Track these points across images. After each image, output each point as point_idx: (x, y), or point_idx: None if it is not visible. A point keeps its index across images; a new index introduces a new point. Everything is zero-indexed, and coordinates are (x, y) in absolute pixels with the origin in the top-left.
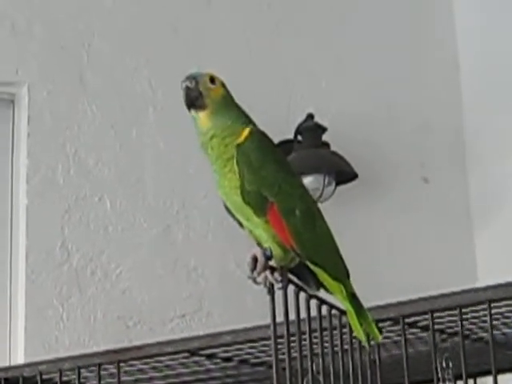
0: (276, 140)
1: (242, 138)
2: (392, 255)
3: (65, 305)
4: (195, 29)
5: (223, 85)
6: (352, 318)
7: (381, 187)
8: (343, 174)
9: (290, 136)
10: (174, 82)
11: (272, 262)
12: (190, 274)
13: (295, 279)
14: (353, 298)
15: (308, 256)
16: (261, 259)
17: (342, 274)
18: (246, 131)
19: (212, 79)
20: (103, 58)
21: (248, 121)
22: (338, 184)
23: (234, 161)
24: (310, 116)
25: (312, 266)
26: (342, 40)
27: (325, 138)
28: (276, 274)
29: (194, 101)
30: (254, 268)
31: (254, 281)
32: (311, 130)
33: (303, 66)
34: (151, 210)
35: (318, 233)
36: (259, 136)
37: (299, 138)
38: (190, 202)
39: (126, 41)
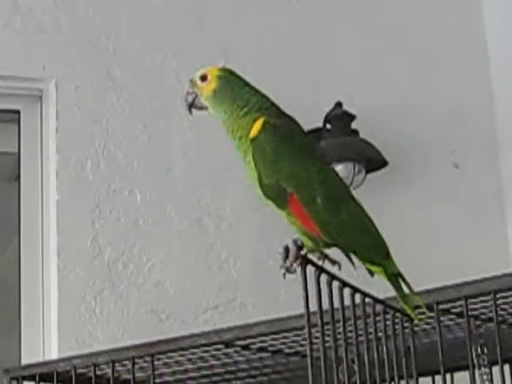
0: (305, 128)
1: (255, 131)
2: (424, 242)
3: (98, 299)
4: (222, 20)
5: (219, 76)
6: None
7: (411, 174)
8: (373, 161)
9: (319, 124)
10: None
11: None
12: (222, 265)
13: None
14: (395, 278)
15: (337, 242)
16: (292, 249)
17: (377, 256)
18: (259, 123)
19: (203, 76)
20: (130, 51)
21: (257, 107)
22: (368, 172)
23: (250, 156)
24: (339, 104)
25: (345, 252)
26: (371, 28)
27: (354, 125)
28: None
29: (191, 104)
30: (286, 258)
31: (287, 270)
32: (340, 117)
33: (331, 55)
34: (182, 201)
35: (345, 217)
36: (272, 127)
37: (328, 126)
38: (221, 193)
39: (152, 33)
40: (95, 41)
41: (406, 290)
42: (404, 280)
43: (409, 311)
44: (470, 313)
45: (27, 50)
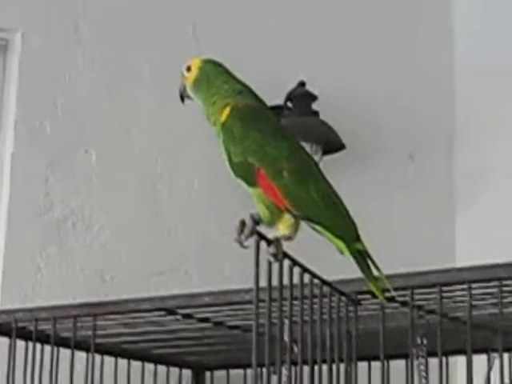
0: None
1: (224, 117)
2: (373, 229)
3: (43, 254)
4: None
5: (200, 67)
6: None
7: (367, 160)
8: (330, 143)
9: (281, 102)
10: (169, 42)
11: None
12: (170, 233)
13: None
14: (360, 255)
15: (304, 214)
16: (249, 223)
17: (344, 231)
18: (227, 109)
19: (188, 67)
20: (100, 10)
21: (228, 93)
22: (324, 153)
23: (221, 140)
24: (302, 84)
25: (313, 226)
26: (338, 8)
27: (315, 106)
28: (272, 247)
29: (181, 93)
30: (241, 232)
31: (241, 244)
32: (302, 97)
33: (299, 34)
34: (137, 166)
35: (313, 192)
36: (240, 110)
37: (289, 104)
38: (177, 161)
39: None
40: None
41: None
42: (372, 260)
43: (376, 292)
44: (414, 303)
45: None
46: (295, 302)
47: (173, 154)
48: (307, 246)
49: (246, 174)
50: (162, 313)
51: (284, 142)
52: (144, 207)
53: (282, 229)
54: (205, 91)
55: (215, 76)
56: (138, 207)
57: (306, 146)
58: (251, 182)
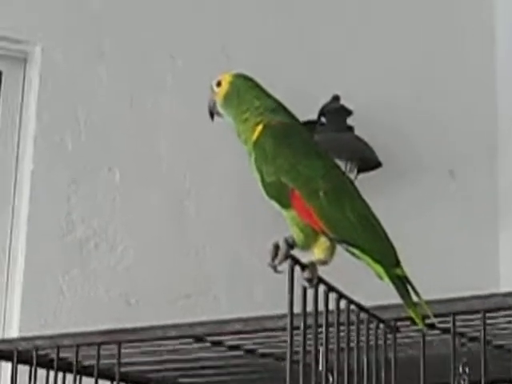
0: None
1: (256, 136)
2: (411, 250)
3: (66, 277)
4: (220, 5)
5: (230, 82)
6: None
7: (404, 178)
8: (366, 161)
9: (314, 117)
10: (195, 52)
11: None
12: (198, 253)
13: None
14: (399, 281)
15: (341, 237)
16: (283, 247)
17: (383, 255)
18: (260, 128)
19: (218, 82)
20: (123, 24)
21: (260, 111)
22: (359, 171)
23: (252, 159)
24: (336, 98)
25: (350, 249)
26: (374, 19)
27: (349, 121)
28: (307, 272)
29: (211, 110)
30: (274, 256)
31: (275, 269)
32: (336, 112)
33: (332, 46)
34: (164, 183)
35: (350, 213)
36: (273, 128)
37: (323, 119)
38: (206, 179)
39: (147, 7)
40: (88, 9)
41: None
42: (411, 286)
43: (416, 319)
44: (456, 330)
45: (16, 10)
46: (331, 329)
47: (201, 169)
48: (343, 271)
49: (280, 194)
50: (190, 340)
51: (319, 160)
52: (170, 226)
53: (317, 253)
54: (235, 107)
55: (246, 91)
56: (163, 226)
57: (341, 164)
58: (285, 203)
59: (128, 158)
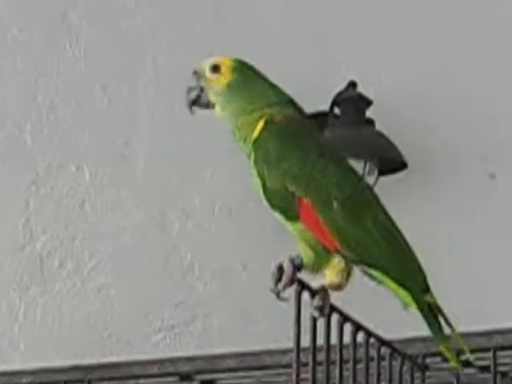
0: (307, 112)
1: (257, 132)
2: (444, 266)
3: (23, 298)
4: None
5: (234, 69)
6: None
7: (434, 181)
8: (389, 161)
9: (325, 107)
10: (184, 28)
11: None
12: (185, 274)
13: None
14: (429, 310)
15: (359, 257)
16: (288, 269)
17: (410, 279)
18: (261, 123)
19: (215, 67)
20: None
21: (267, 103)
22: (381, 173)
23: (252, 159)
24: (352, 84)
25: (369, 272)
26: None
27: (369, 113)
28: (317, 299)
29: (195, 100)
30: (278, 279)
31: (278, 295)
32: (352, 101)
33: (346, 19)
34: (141, 186)
35: (371, 225)
36: (277, 124)
37: (336, 111)
38: (192, 182)
39: None
40: None
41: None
42: (443, 315)
43: (448, 355)
44: (497, 368)
45: None
46: (346, 367)
47: (187, 172)
48: (361, 297)
49: (285, 204)
50: (175, 379)
51: (332, 162)
52: (151, 240)
53: (329, 275)
54: (240, 99)
55: (253, 80)
56: (143, 240)
57: (358, 165)
58: (291, 215)
59: (99, 154)
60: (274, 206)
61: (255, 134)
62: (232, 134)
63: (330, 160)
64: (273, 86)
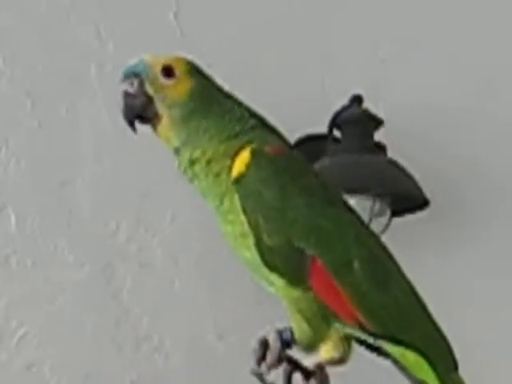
0: (299, 134)
1: (241, 167)
2: (471, 323)
3: None
4: None
5: (190, 72)
6: None
7: (463, 223)
8: (406, 198)
9: (323, 129)
10: (136, 31)
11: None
12: (141, 346)
13: None
14: None
15: (385, 329)
16: (274, 346)
17: (438, 355)
18: (246, 154)
19: (167, 69)
20: None
21: (244, 127)
22: (395, 214)
23: (238, 203)
24: (357, 99)
25: (388, 347)
26: None
27: (378, 137)
28: (313, 382)
29: (137, 111)
30: (261, 357)
31: (261, 378)
32: (357, 121)
33: (351, 19)
34: (82, 234)
35: (395, 290)
36: (267, 157)
37: (337, 133)
38: (149, 226)
39: None
40: None
41: None
42: None
43: None
44: None
45: None
46: None
47: (142, 213)
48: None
49: (291, 266)
50: None
51: (342, 208)
52: (97, 302)
53: (325, 350)
54: (204, 116)
55: (211, 91)
56: (86, 301)
57: (365, 203)
58: (298, 278)
59: (28, 193)
60: (273, 266)
61: (238, 169)
62: (186, 162)
63: (340, 206)
64: (237, 101)
